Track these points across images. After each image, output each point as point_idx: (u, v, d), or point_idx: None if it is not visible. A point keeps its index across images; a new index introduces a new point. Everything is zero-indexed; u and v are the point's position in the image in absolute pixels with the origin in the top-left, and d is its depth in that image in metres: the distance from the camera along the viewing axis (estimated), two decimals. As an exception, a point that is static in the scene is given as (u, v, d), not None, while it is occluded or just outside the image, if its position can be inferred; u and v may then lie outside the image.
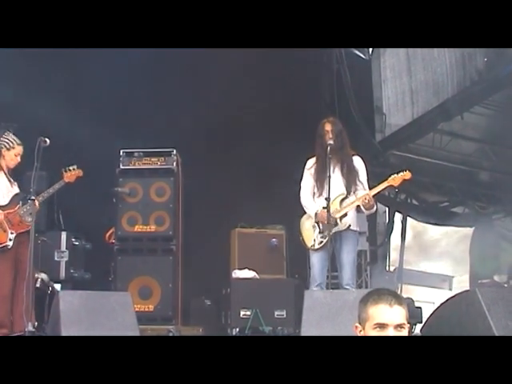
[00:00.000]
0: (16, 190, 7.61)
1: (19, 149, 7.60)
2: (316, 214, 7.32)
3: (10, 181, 7.58)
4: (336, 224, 7.21)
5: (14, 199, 7.53)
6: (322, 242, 7.28)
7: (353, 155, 7.58)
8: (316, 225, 7.36)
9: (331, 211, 7.04)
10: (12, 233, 7.36)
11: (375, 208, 7.60)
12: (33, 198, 7.06)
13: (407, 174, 7.32)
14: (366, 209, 7.37)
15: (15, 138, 7.65)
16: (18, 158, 7.62)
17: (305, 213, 7.53)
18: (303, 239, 7.51)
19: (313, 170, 7.55)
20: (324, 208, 7.07)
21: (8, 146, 7.55)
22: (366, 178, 7.52)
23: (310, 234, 7.41)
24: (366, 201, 7.20)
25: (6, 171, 7.59)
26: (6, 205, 7.48)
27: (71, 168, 7.74)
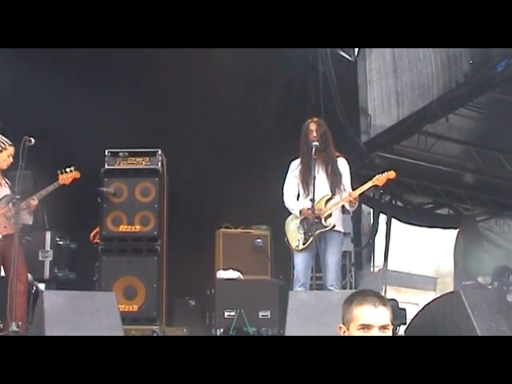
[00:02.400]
0: (6, 191, 7.50)
1: (11, 149, 7.45)
2: (300, 211, 7.33)
3: (1, 183, 7.51)
4: (321, 224, 7.22)
5: (3, 201, 7.43)
6: (306, 242, 7.29)
7: (337, 157, 7.59)
8: (301, 225, 7.37)
9: (316, 212, 7.06)
10: None
11: (357, 204, 7.60)
12: (17, 196, 7.01)
13: (391, 174, 7.34)
14: (350, 206, 7.41)
15: (5, 138, 7.57)
16: (11, 159, 7.46)
17: (290, 214, 7.53)
18: (288, 240, 7.51)
19: (297, 172, 7.54)
20: (309, 209, 7.09)
21: (0, 148, 7.49)
22: (349, 180, 7.54)
23: (295, 235, 7.42)
24: (352, 199, 7.23)
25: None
26: None
27: (68, 170, 7.68)
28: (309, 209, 7.10)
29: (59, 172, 7.65)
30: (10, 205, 7.36)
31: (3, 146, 7.46)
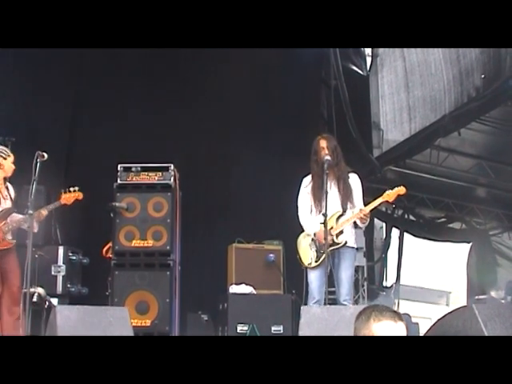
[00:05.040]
0: (7, 205, 7.48)
1: (13, 157, 7.53)
2: (315, 234, 7.32)
3: (2, 195, 7.46)
4: (333, 241, 7.20)
5: (3, 215, 7.40)
6: (318, 259, 7.27)
7: (349, 172, 7.56)
8: (312, 243, 7.35)
9: (328, 228, 7.03)
10: None
11: (368, 220, 7.57)
12: (30, 212, 6.98)
13: (402, 190, 7.31)
14: (361, 223, 7.39)
15: (4, 147, 7.62)
16: (13, 166, 7.55)
17: (302, 230, 7.51)
18: (300, 257, 7.48)
19: (309, 188, 7.52)
20: (321, 223, 7.06)
21: (4, 155, 7.47)
22: (361, 196, 7.50)
23: (307, 253, 7.40)
24: (363, 215, 7.21)
25: (2, 183, 7.50)
26: None
27: (71, 189, 7.68)
28: (321, 223, 7.07)
29: (62, 191, 7.66)
30: (9, 219, 7.35)
31: (6, 153, 7.50)
